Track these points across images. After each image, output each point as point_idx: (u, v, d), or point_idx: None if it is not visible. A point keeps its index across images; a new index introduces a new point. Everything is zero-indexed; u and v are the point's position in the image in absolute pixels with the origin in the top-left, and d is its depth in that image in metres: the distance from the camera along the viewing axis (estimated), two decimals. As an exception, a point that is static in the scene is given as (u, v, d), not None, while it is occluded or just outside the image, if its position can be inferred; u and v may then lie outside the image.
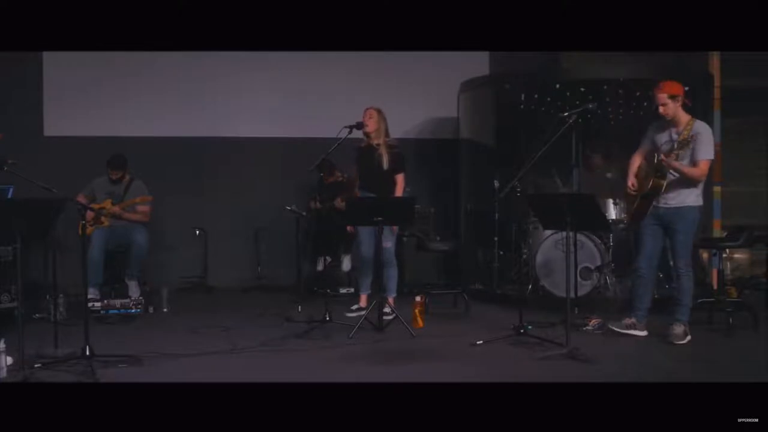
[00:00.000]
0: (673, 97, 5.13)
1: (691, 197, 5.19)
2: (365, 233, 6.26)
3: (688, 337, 5.26)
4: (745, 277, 7.66)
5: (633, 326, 5.42)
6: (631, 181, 5.38)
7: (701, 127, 5.16)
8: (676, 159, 5.09)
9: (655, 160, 5.17)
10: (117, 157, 6.92)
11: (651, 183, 5.17)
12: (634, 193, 5.36)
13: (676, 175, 5.15)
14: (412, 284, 7.24)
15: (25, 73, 7.98)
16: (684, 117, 5.19)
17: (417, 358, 4.96)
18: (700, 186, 5.22)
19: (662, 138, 5.28)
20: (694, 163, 5.12)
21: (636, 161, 5.43)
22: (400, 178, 6.25)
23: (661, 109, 5.17)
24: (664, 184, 5.14)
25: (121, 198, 6.86)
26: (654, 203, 5.25)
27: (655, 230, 5.33)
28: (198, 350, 5.02)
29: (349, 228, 6.51)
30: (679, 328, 5.24)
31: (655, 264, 5.41)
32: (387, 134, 6.26)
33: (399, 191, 6.25)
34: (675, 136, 5.17)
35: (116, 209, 6.77)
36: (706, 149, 5.10)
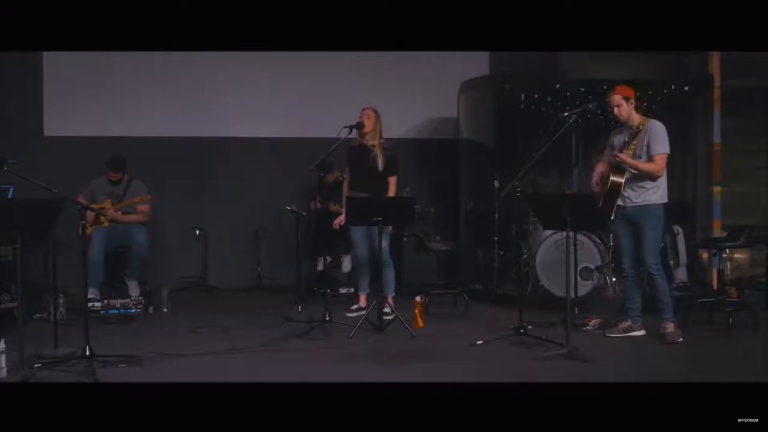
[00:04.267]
0: (626, 99, 5.33)
1: (654, 195, 5.29)
2: (359, 234, 6.26)
3: (680, 338, 5.27)
4: (745, 277, 7.65)
5: (630, 329, 5.45)
6: (595, 179, 5.53)
7: (654, 124, 5.31)
8: (632, 156, 5.24)
9: (614, 159, 5.30)
10: (116, 158, 6.91)
11: (609, 182, 5.30)
12: (597, 191, 5.47)
13: (634, 171, 5.26)
14: (412, 284, 7.24)
15: (25, 73, 7.98)
16: (637, 118, 5.35)
17: (417, 358, 4.96)
18: (662, 184, 5.31)
19: (620, 140, 5.43)
20: (650, 158, 5.25)
21: (600, 167, 5.55)
22: (393, 181, 6.25)
23: (615, 110, 5.36)
24: (623, 181, 5.27)
25: (121, 198, 6.86)
26: (619, 203, 5.34)
27: (626, 230, 5.43)
28: (198, 350, 5.02)
29: (336, 223, 6.38)
30: (669, 327, 5.30)
31: (636, 261, 5.43)
32: (381, 135, 6.27)
33: (392, 194, 6.24)
34: (628, 138, 5.32)
35: (115, 214, 6.76)
36: (661, 144, 5.24)
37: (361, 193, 6.18)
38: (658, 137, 5.24)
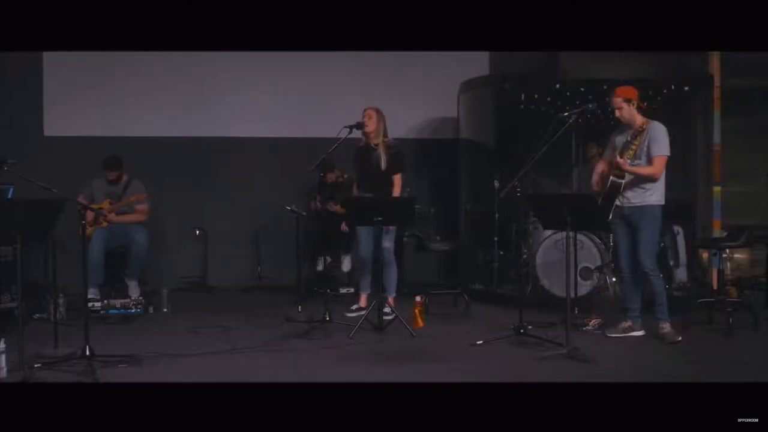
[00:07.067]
0: (627, 101, 5.31)
1: (653, 196, 5.29)
2: (364, 233, 6.26)
3: (679, 337, 5.28)
4: (745, 277, 7.66)
5: (630, 329, 5.46)
6: (595, 179, 5.52)
7: (656, 126, 5.30)
8: (632, 157, 5.22)
9: (614, 161, 5.29)
10: (111, 158, 6.90)
11: (609, 182, 5.31)
12: (597, 190, 5.47)
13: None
14: (412, 284, 7.24)
15: (25, 73, 7.98)
16: (639, 119, 5.35)
17: (417, 358, 4.96)
18: (662, 185, 5.31)
19: (621, 140, 5.42)
20: (649, 160, 5.24)
21: (600, 167, 5.55)
22: (398, 178, 6.25)
23: (616, 113, 5.37)
24: (623, 183, 5.28)
25: (119, 198, 6.85)
26: (617, 203, 5.35)
27: (623, 230, 5.44)
28: (198, 350, 5.02)
29: (342, 226, 6.45)
30: (665, 328, 5.34)
31: (635, 262, 5.43)
32: (386, 134, 6.27)
33: (397, 191, 6.24)
34: (630, 138, 5.32)
35: (111, 216, 6.75)
36: (660, 146, 5.23)
37: (367, 193, 6.19)
38: (659, 139, 5.23)
